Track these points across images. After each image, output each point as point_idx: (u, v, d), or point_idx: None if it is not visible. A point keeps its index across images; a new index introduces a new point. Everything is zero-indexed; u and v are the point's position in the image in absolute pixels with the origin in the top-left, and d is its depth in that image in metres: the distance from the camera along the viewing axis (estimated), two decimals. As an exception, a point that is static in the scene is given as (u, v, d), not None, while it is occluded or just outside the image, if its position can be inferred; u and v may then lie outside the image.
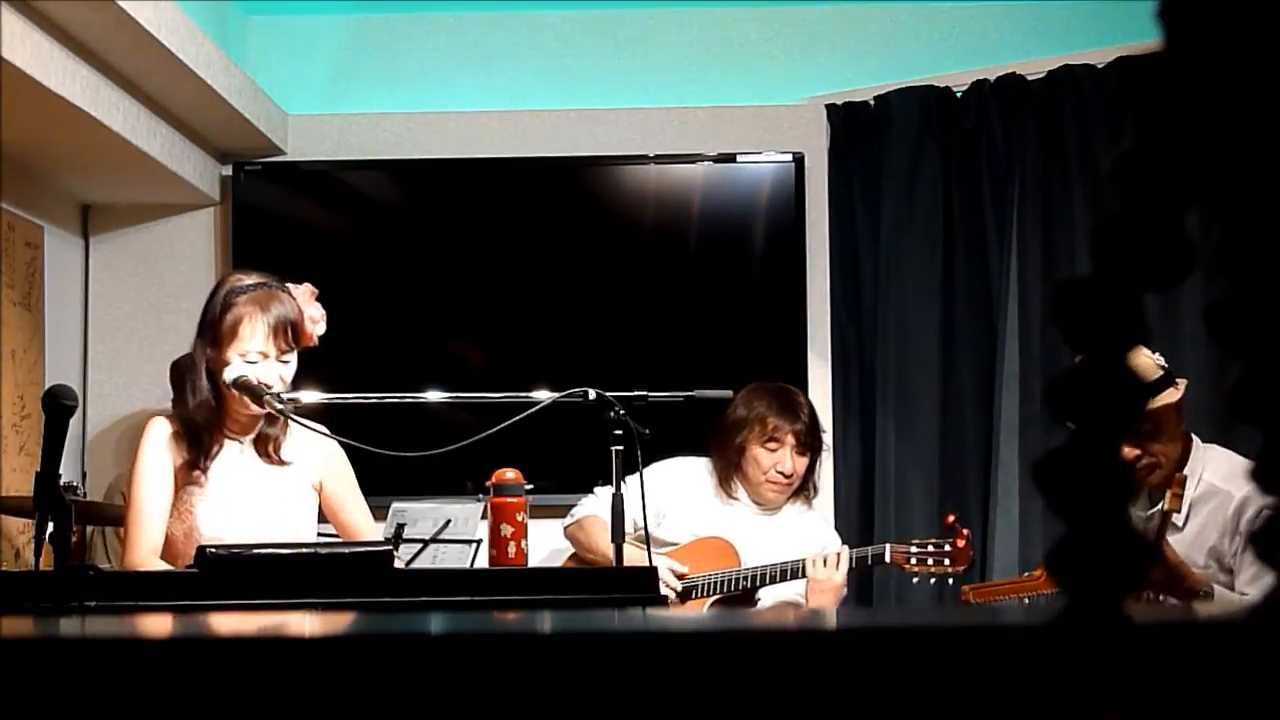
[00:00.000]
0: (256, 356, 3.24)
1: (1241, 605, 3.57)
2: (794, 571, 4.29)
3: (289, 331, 3.27)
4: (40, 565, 2.89)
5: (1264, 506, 0.69)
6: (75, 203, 5.43)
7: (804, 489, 4.52)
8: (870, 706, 0.78)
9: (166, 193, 5.29)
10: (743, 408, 4.39)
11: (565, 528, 4.53)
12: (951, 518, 4.39)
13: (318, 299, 3.39)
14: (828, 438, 5.38)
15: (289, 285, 3.36)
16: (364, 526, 3.44)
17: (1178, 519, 3.79)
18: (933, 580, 4.34)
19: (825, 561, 4.26)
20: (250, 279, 3.35)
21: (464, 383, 5.29)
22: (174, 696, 0.80)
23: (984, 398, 5.33)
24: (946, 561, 4.30)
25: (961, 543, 4.30)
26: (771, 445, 4.43)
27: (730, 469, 4.47)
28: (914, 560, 4.30)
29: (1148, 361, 3.78)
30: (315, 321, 3.35)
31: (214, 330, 3.28)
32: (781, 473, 4.43)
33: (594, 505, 4.51)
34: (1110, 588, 0.69)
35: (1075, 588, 0.69)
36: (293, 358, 3.30)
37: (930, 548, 4.31)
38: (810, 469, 4.50)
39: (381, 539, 3.84)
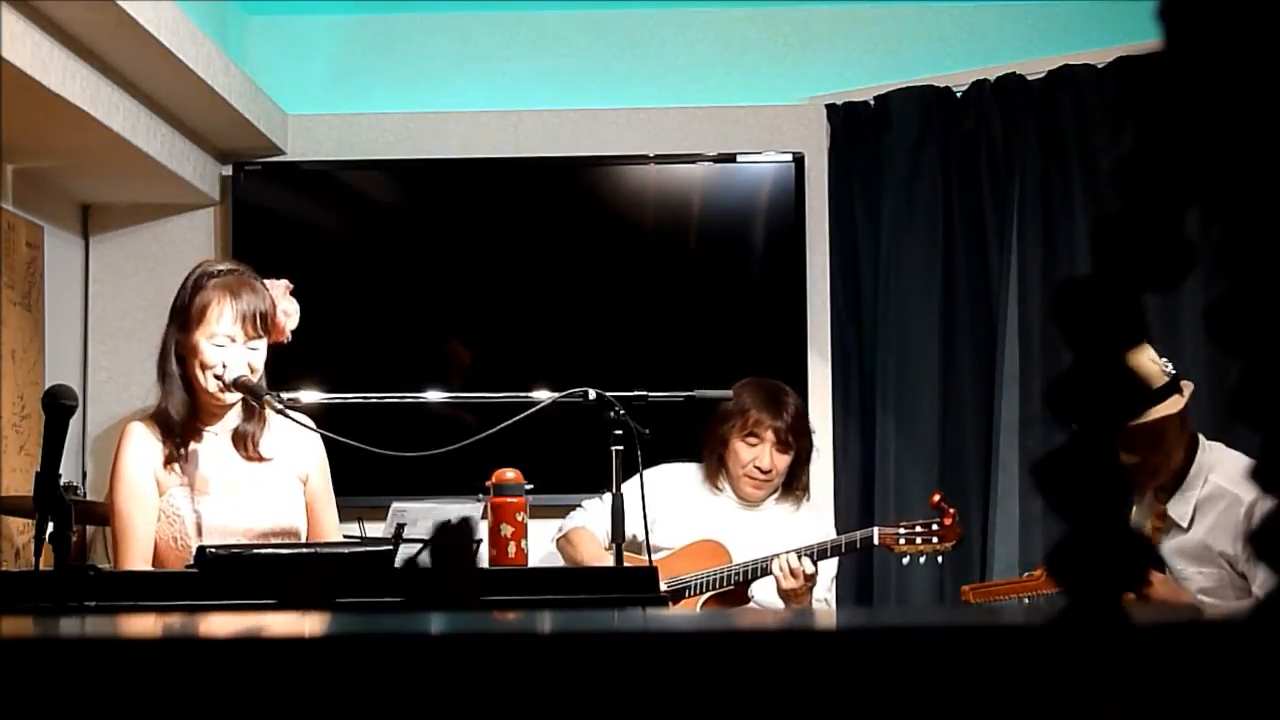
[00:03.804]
0: (224, 340, 3.22)
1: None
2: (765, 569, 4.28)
3: (258, 318, 3.25)
4: (40, 565, 2.89)
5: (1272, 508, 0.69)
6: (75, 203, 5.43)
7: (792, 489, 4.51)
8: (870, 706, 0.78)
9: (166, 193, 5.29)
10: (732, 400, 4.38)
11: (555, 540, 4.52)
12: (937, 496, 4.40)
13: (292, 293, 3.38)
14: (827, 437, 5.40)
15: (267, 281, 3.36)
16: (333, 529, 3.44)
17: (1182, 520, 3.85)
18: (923, 559, 4.33)
19: (790, 573, 4.22)
20: (223, 265, 3.36)
21: (464, 383, 5.29)
22: (174, 697, 0.80)
23: (984, 398, 5.32)
24: (935, 539, 4.30)
25: (949, 520, 4.30)
26: (751, 440, 4.43)
27: (715, 460, 4.49)
28: (903, 540, 4.30)
29: (1153, 367, 3.79)
30: (288, 315, 3.34)
31: (183, 314, 3.26)
32: (759, 468, 4.42)
33: (581, 518, 4.51)
34: (1110, 588, 0.69)
35: (1075, 588, 0.69)
36: (261, 345, 3.27)
37: (918, 527, 4.31)
38: (795, 468, 4.48)
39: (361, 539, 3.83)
